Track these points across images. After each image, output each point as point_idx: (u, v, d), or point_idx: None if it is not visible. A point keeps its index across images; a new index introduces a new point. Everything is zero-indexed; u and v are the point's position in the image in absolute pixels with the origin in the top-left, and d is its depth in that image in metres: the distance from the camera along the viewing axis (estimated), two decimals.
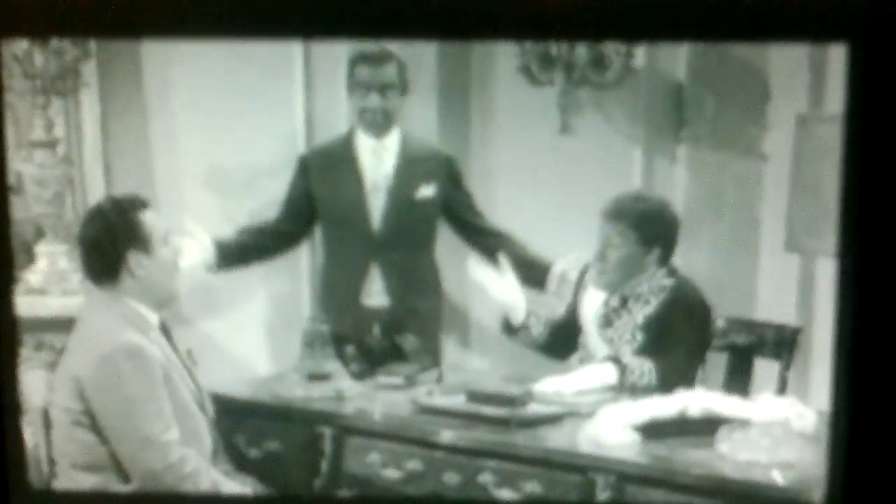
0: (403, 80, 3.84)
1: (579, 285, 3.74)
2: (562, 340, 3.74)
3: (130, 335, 3.00)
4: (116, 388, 2.95)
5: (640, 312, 3.52)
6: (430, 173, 3.92)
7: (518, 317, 3.70)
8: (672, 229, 3.58)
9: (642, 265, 3.54)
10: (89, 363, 2.97)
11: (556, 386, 3.39)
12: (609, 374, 3.41)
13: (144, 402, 2.95)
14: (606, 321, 3.57)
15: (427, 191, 3.90)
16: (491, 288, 3.72)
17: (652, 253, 3.54)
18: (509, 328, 3.74)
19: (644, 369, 3.41)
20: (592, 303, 3.63)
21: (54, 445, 3.06)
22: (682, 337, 3.48)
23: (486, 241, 3.94)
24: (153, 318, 3.10)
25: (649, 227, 3.53)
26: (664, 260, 3.56)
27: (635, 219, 3.52)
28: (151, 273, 3.08)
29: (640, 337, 3.51)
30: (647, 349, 3.48)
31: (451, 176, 3.97)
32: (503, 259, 3.72)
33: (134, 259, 3.06)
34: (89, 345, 3.01)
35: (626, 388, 3.37)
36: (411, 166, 3.90)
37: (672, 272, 3.56)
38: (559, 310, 3.80)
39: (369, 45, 3.80)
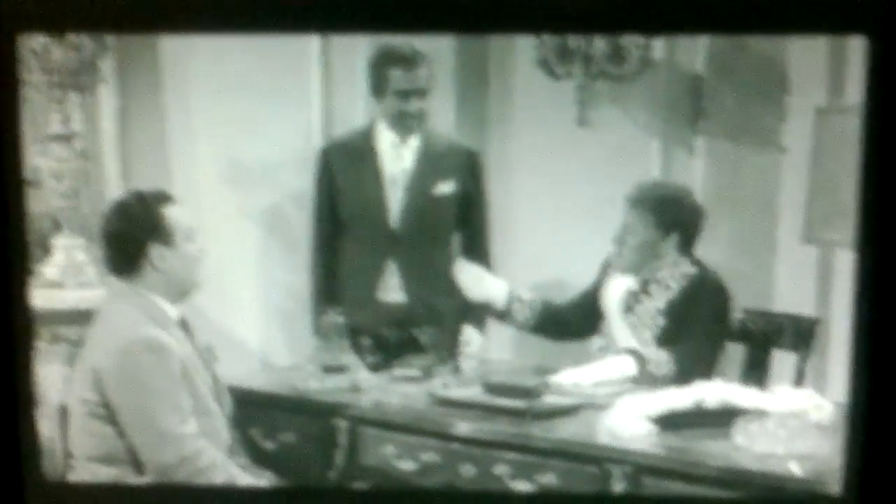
0: (432, 78, 3.82)
1: (603, 273, 3.74)
2: (564, 322, 3.79)
3: (150, 329, 3.01)
4: (134, 381, 2.96)
5: (662, 297, 3.55)
6: (451, 169, 3.90)
7: (497, 305, 3.74)
8: (692, 216, 3.61)
9: (660, 250, 3.57)
10: (108, 355, 2.99)
11: (575, 378, 3.41)
12: (628, 365, 3.43)
13: (162, 395, 2.96)
14: (627, 307, 3.59)
15: (446, 187, 3.89)
16: (465, 289, 3.75)
17: (670, 238, 3.57)
18: (495, 313, 3.79)
19: (661, 360, 3.42)
20: (615, 289, 3.66)
21: (71, 437, 3.07)
22: (702, 324, 3.50)
23: (474, 249, 3.96)
24: (173, 313, 3.11)
25: (667, 211, 3.56)
26: (685, 248, 3.59)
27: (653, 203, 3.56)
28: (173, 266, 3.09)
29: (661, 322, 3.53)
30: (667, 334, 3.50)
31: (471, 171, 3.95)
32: (459, 260, 3.78)
33: (156, 251, 3.07)
34: (109, 337, 3.03)
35: (646, 379, 3.38)
36: (431, 162, 3.88)
37: (696, 262, 3.59)
38: (568, 297, 3.85)
39: (398, 45, 3.74)
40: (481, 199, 3.98)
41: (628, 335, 3.58)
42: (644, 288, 3.58)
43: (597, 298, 3.74)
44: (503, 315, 3.75)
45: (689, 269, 3.57)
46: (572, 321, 3.79)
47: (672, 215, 3.58)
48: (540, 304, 3.77)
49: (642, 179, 3.73)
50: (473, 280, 3.74)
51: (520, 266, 4.39)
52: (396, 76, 3.75)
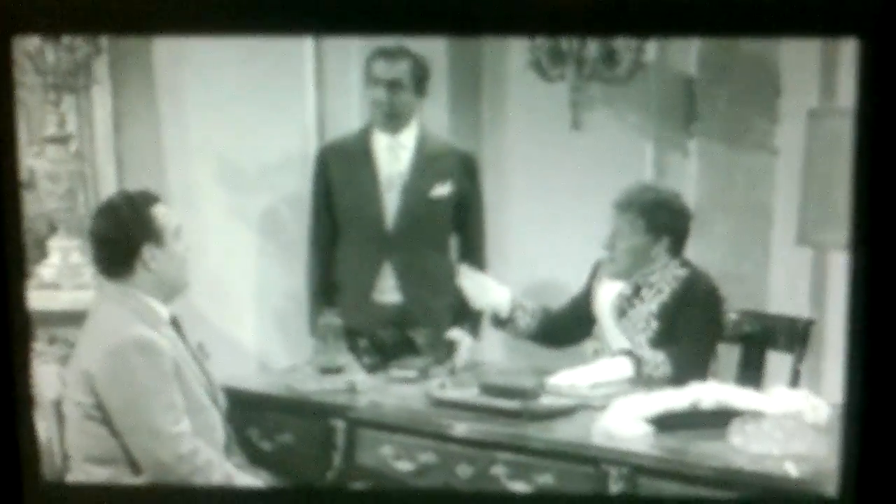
0: (417, 78, 3.81)
1: (593, 277, 3.75)
2: (560, 329, 3.79)
3: (140, 329, 3.01)
4: (126, 382, 2.95)
5: (654, 301, 3.55)
6: (447, 171, 3.90)
7: (502, 312, 3.74)
8: (681, 219, 3.62)
9: (651, 254, 3.58)
10: (99, 357, 2.98)
11: (572, 379, 3.40)
12: (624, 367, 3.43)
13: (154, 395, 2.96)
14: (621, 311, 3.59)
15: (443, 189, 3.89)
16: (469, 296, 3.76)
17: (660, 242, 3.57)
18: (497, 321, 3.78)
19: (657, 360, 3.43)
20: (607, 294, 3.66)
21: (67, 439, 3.07)
22: (695, 325, 3.50)
23: (470, 252, 3.97)
24: (164, 312, 3.10)
25: (657, 215, 3.57)
26: (675, 250, 3.59)
27: (643, 207, 3.56)
28: (164, 266, 3.08)
29: (654, 325, 3.53)
30: (661, 337, 3.50)
31: (468, 173, 3.95)
32: (464, 268, 3.77)
33: (148, 252, 3.07)
34: (99, 339, 3.02)
35: (643, 380, 3.38)
36: (427, 164, 3.88)
37: (686, 263, 3.60)
38: (561, 301, 3.85)
39: (388, 42, 3.77)
40: (478, 201, 3.98)
41: (622, 339, 3.58)
42: (636, 292, 3.58)
43: (588, 304, 3.75)
44: (505, 323, 3.75)
45: (679, 271, 3.57)
46: (567, 327, 3.79)
47: (662, 219, 3.58)
48: (540, 311, 3.77)
49: (629, 184, 3.71)
50: (478, 288, 3.74)
51: (512, 268, 4.40)
52: (375, 67, 3.80)
